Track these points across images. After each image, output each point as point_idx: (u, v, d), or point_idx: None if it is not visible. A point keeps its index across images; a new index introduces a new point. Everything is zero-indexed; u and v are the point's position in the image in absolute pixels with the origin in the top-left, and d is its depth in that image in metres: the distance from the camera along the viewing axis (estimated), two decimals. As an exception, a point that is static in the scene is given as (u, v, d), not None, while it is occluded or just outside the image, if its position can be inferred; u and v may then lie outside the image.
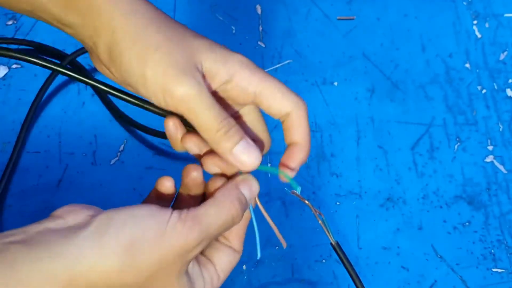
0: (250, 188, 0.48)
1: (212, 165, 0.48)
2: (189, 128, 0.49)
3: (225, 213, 0.45)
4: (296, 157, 0.50)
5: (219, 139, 0.46)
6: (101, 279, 0.40)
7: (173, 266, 0.43)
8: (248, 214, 0.49)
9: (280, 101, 0.48)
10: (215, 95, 0.47)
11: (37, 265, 0.39)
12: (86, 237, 0.41)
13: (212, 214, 0.44)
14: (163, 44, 0.45)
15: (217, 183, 0.48)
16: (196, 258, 0.47)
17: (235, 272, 0.66)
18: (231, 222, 0.45)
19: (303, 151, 0.49)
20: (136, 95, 0.49)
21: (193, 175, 0.48)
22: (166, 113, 0.48)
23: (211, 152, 0.48)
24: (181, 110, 0.45)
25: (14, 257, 0.40)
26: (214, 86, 0.47)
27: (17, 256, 0.40)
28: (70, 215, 0.45)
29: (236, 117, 0.50)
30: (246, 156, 0.46)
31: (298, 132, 0.49)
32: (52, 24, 0.48)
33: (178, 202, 0.50)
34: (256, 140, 0.50)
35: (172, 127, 0.48)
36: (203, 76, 0.46)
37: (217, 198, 0.46)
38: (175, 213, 0.43)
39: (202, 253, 0.48)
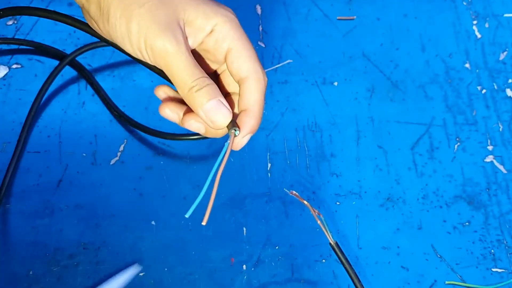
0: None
1: (192, 121, 0.50)
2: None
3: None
4: (245, 124, 0.50)
5: (192, 96, 0.47)
6: None
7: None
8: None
9: (243, 63, 0.49)
10: (195, 52, 0.49)
11: None
12: None
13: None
14: (148, 0, 0.47)
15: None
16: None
17: (235, 272, 0.66)
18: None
19: (253, 118, 0.50)
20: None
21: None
22: (153, 70, 0.51)
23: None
24: (160, 64, 0.47)
25: None
26: (196, 40, 0.49)
27: None
28: None
29: (217, 75, 0.52)
30: (215, 114, 0.48)
31: (251, 98, 0.49)
32: None
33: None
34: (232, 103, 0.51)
35: (161, 94, 0.52)
36: (184, 33, 0.48)
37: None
38: None
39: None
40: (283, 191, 0.71)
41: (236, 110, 0.51)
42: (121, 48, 0.50)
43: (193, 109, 0.48)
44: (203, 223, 0.50)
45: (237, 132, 0.49)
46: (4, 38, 0.77)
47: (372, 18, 0.83)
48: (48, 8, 0.55)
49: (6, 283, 0.64)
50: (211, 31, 0.49)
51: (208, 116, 0.48)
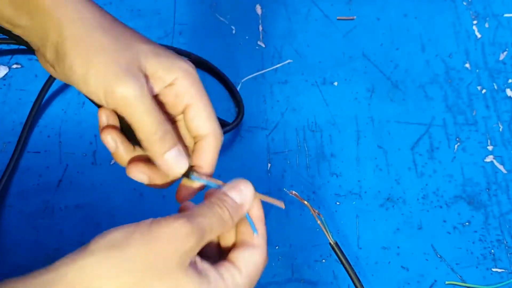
0: (240, 191, 0.49)
1: (139, 172, 0.50)
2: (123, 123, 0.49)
3: (211, 213, 0.46)
4: (201, 173, 0.50)
5: (154, 143, 0.47)
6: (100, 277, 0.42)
7: (167, 260, 0.43)
8: (260, 207, 0.50)
9: (203, 122, 0.49)
10: (155, 98, 0.48)
11: None
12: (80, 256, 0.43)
13: (198, 210, 0.46)
14: (107, 46, 0.46)
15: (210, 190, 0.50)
16: (211, 262, 0.47)
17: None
18: (221, 224, 0.46)
19: (207, 174, 0.51)
20: None
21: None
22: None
23: (137, 159, 0.50)
24: (120, 110, 0.46)
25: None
26: (156, 89, 0.48)
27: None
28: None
29: (173, 122, 0.51)
30: (175, 163, 0.48)
31: (208, 157, 0.50)
32: (2, 25, 0.49)
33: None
34: (187, 146, 0.52)
35: (104, 119, 0.48)
36: (146, 79, 0.47)
37: (203, 203, 0.47)
38: (154, 220, 0.45)
39: (221, 258, 0.48)
40: (283, 191, 0.71)
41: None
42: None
43: (150, 155, 0.48)
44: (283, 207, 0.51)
45: (193, 176, 0.50)
46: (4, 38, 0.77)
47: (372, 18, 0.83)
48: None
49: (6, 283, 0.64)
50: (171, 84, 0.48)
51: (168, 165, 0.48)
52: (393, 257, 0.68)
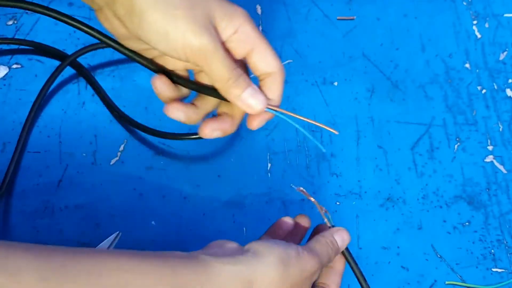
0: (343, 238, 0.56)
1: (212, 130, 0.55)
2: (178, 82, 0.55)
3: (325, 248, 0.55)
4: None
5: (229, 87, 0.52)
6: (270, 284, 0.50)
7: (306, 280, 0.53)
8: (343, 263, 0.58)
9: (269, 61, 0.53)
10: (223, 46, 0.52)
11: (226, 266, 0.49)
12: (251, 256, 0.50)
13: (318, 248, 0.54)
14: (182, 2, 0.49)
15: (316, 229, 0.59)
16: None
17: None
18: (329, 258, 0.55)
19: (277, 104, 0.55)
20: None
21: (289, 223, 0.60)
22: (155, 70, 0.55)
23: (209, 120, 0.55)
24: (197, 61, 0.50)
25: (206, 261, 0.49)
26: (223, 38, 0.52)
27: (208, 260, 0.49)
28: (225, 244, 0.53)
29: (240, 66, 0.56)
30: (253, 100, 0.53)
31: (277, 91, 0.54)
32: None
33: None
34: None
35: (160, 84, 0.55)
36: (216, 29, 0.51)
37: (317, 238, 0.55)
38: (298, 249, 0.52)
39: None
40: (283, 191, 0.71)
41: None
42: (129, 52, 0.54)
43: (229, 99, 0.53)
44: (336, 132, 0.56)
45: (268, 108, 0.54)
46: (4, 38, 0.77)
47: (372, 18, 0.83)
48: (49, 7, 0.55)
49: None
50: (235, 32, 0.52)
51: (246, 103, 0.52)
52: (393, 257, 0.68)
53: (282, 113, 0.54)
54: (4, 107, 0.73)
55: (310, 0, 0.84)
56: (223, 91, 0.52)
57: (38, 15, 0.79)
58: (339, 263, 0.58)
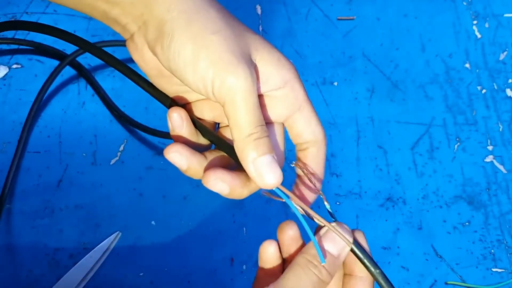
0: (335, 241, 0.45)
1: (217, 180, 0.44)
2: (195, 122, 0.46)
3: (307, 278, 0.43)
4: (312, 189, 0.48)
5: (247, 144, 0.43)
6: None
7: None
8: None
9: (314, 128, 0.46)
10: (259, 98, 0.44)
11: None
12: None
13: (293, 280, 0.43)
14: (221, 29, 0.41)
15: (292, 247, 0.47)
16: None
17: (235, 272, 0.66)
18: (317, 282, 0.44)
19: (319, 181, 0.48)
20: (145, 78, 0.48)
21: (270, 250, 0.48)
22: (169, 103, 0.47)
23: (214, 165, 0.46)
24: (224, 100, 0.42)
25: None
26: (263, 89, 0.44)
27: None
28: None
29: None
30: (268, 172, 0.43)
31: (320, 164, 0.47)
32: (97, 8, 0.44)
33: (258, 281, 0.48)
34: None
35: (177, 117, 0.45)
36: (257, 72, 0.43)
37: (295, 261, 0.44)
38: None
39: None
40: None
41: None
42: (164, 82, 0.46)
43: (241, 159, 0.43)
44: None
45: (278, 189, 0.45)
46: (4, 38, 0.77)
47: (372, 18, 0.83)
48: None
49: (7, 283, 0.64)
50: (279, 87, 0.44)
51: (258, 171, 0.43)
52: (393, 257, 0.68)
53: (289, 201, 0.44)
54: (4, 107, 0.73)
55: (310, 0, 0.84)
56: (238, 148, 0.43)
57: (38, 15, 0.79)
58: (360, 269, 0.47)
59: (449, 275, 0.67)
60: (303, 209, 0.46)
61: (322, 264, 0.44)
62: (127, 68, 0.48)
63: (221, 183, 0.44)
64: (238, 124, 0.42)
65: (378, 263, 0.68)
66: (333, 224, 0.46)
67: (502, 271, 0.68)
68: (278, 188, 0.44)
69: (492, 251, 0.69)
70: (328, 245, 0.45)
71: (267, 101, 0.45)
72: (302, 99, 0.45)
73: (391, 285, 0.46)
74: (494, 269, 0.68)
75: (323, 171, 0.47)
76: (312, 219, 0.46)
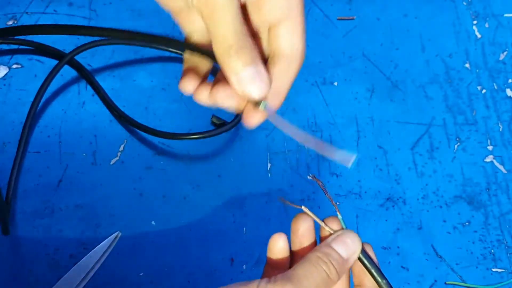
0: (346, 245, 0.45)
1: (223, 95, 0.44)
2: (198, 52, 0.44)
3: (317, 272, 0.43)
4: (271, 102, 0.45)
5: (228, 57, 0.41)
6: None
7: None
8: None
9: (295, 40, 0.43)
10: (242, 7, 0.42)
11: None
12: None
13: (301, 271, 0.43)
14: None
15: (304, 240, 0.47)
16: None
17: (235, 272, 0.66)
18: (324, 278, 0.43)
19: (280, 100, 0.45)
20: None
21: (280, 244, 0.47)
22: (186, 48, 0.46)
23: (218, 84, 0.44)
24: (203, 12, 0.41)
25: None
26: None
27: None
28: None
29: (255, 37, 0.45)
30: (251, 84, 0.42)
31: (286, 80, 0.45)
32: None
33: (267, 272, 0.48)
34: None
35: (188, 87, 0.45)
36: None
37: (307, 258, 0.44)
38: (264, 279, 0.42)
39: None
40: (283, 191, 0.70)
41: None
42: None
43: (224, 71, 0.42)
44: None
45: (267, 105, 0.43)
46: (4, 38, 0.77)
47: (372, 18, 0.83)
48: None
49: (6, 283, 0.64)
50: None
51: (241, 85, 0.41)
52: (393, 257, 0.68)
53: (280, 123, 0.44)
54: (4, 107, 0.73)
55: (310, 0, 0.84)
56: (220, 59, 0.41)
57: (38, 15, 0.79)
58: (370, 281, 0.47)
59: (449, 275, 0.67)
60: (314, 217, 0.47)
61: (332, 262, 0.44)
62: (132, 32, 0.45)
63: (229, 99, 0.44)
64: (219, 37, 0.40)
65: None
66: (345, 231, 0.47)
67: (502, 271, 0.68)
68: (267, 105, 0.43)
69: (492, 251, 0.69)
70: (339, 248, 0.45)
71: (252, 8, 0.43)
72: (295, 5, 0.43)
73: None
74: (494, 269, 0.68)
75: (286, 90, 0.44)
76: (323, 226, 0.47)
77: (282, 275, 0.43)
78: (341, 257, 0.45)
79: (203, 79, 0.46)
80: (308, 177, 0.49)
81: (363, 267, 0.47)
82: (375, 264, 0.47)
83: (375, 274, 0.47)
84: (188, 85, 0.45)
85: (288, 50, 0.44)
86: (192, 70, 0.45)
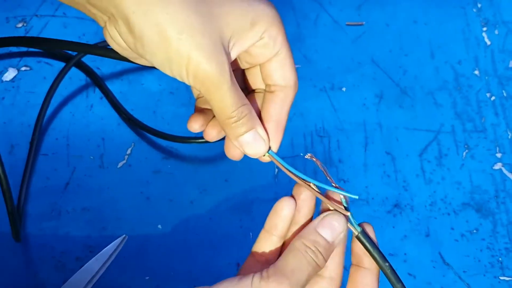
0: (333, 228, 0.46)
1: (214, 131, 0.49)
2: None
3: (307, 262, 0.45)
4: (276, 139, 0.50)
5: (228, 127, 0.46)
6: None
7: None
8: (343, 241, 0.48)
9: (287, 74, 0.47)
10: (236, 61, 0.47)
11: None
12: None
13: (292, 262, 0.44)
14: (186, 26, 0.42)
15: (292, 230, 0.48)
16: None
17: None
18: (314, 267, 0.45)
19: (282, 132, 0.49)
20: None
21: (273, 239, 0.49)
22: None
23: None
24: (200, 90, 0.44)
25: None
26: (241, 49, 0.45)
27: None
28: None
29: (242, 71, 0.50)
30: (251, 147, 0.47)
31: (283, 110, 0.48)
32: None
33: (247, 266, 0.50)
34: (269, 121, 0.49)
35: (195, 126, 0.49)
36: (229, 54, 0.44)
37: (293, 245, 0.45)
38: (257, 275, 0.44)
39: None
40: (290, 195, 0.70)
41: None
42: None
43: (226, 134, 0.47)
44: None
45: (271, 151, 0.49)
46: (10, 39, 0.77)
47: (381, 24, 0.83)
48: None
49: (13, 285, 0.64)
50: (259, 39, 0.46)
51: (243, 147, 0.47)
52: (400, 264, 0.68)
53: (285, 163, 0.49)
54: (12, 110, 0.74)
55: (319, 5, 0.83)
56: (222, 126, 0.47)
57: (48, 18, 0.79)
58: (368, 261, 0.48)
59: (457, 283, 0.67)
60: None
61: (319, 249, 0.45)
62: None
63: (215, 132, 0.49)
64: (217, 110, 0.45)
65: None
66: (330, 212, 0.47)
67: (510, 280, 0.67)
68: (271, 151, 0.48)
69: (500, 259, 0.68)
70: (325, 232, 0.46)
71: (250, 52, 0.46)
72: (280, 43, 0.46)
73: (398, 278, 0.48)
74: (502, 278, 0.67)
75: (286, 119, 0.48)
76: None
77: (274, 269, 0.44)
78: (328, 242, 0.46)
79: (213, 117, 0.49)
80: (305, 156, 0.49)
81: (363, 247, 0.47)
82: (375, 245, 0.47)
83: (376, 256, 0.47)
84: (195, 125, 0.49)
85: (283, 82, 0.47)
86: (201, 111, 0.50)
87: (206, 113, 0.50)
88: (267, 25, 0.45)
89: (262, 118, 0.49)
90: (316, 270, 0.45)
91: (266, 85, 0.48)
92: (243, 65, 0.49)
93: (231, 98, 0.44)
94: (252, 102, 0.49)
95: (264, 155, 0.49)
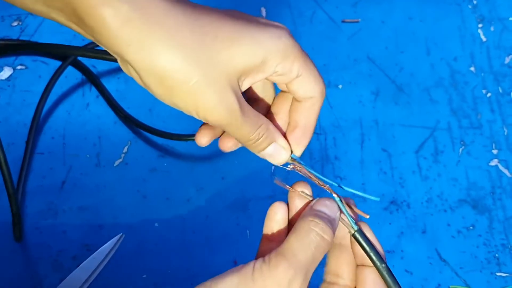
0: (327, 206, 0.47)
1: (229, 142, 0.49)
2: None
3: (309, 239, 0.44)
4: (301, 143, 0.49)
5: (250, 146, 0.47)
6: None
7: None
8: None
9: (313, 85, 0.47)
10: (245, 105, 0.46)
11: None
12: None
13: (295, 243, 0.43)
14: (191, 76, 0.41)
15: (295, 214, 0.49)
16: None
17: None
18: (320, 245, 0.44)
19: (308, 138, 0.49)
20: None
21: (278, 216, 0.50)
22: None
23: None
24: (221, 126, 0.45)
25: None
26: (254, 81, 0.45)
27: None
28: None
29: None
30: (274, 158, 0.48)
31: (311, 118, 0.48)
32: (86, 37, 0.47)
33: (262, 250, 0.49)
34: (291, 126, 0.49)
35: (203, 140, 0.49)
36: (239, 89, 0.43)
37: (294, 227, 0.45)
38: (259, 260, 0.43)
39: None
40: (287, 194, 0.70)
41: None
42: None
43: (249, 149, 0.48)
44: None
45: (293, 155, 0.50)
46: (8, 39, 0.77)
47: (377, 21, 0.83)
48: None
49: (10, 284, 0.64)
50: (277, 65, 0.44)
51: (266, 159, 0.48)
52: (397, 261, 0.68)
53: (303, 168, 0.50)
54: (8, 108, 0.73)
55: (315, 3, 0.83)
56: (244, 145, 0.47)
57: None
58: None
59: (453, 279, 0.67)
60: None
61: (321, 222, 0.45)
62: None
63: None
64: (238, 137, 0.46)
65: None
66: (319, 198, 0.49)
67: (506, 276, 0.67)
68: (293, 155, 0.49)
69: (497, 255, 0.68)
70: (323, 209, 0.47)
71: (271, 79, 0.46)
72: (298, 68, 0.45)
73: (395, 279, 0.48)
74: (498, 274, 0.67)
75: (314, 125, 0.48)
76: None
77: (276, 252, 0.43)
78: (328, 216, 0.46)
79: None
80: (274, 181, 0.50)
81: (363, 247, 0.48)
82: (371, 243, 0.48)
83: (371, 254, 0.47)
84: (202, 140, 0.48)
85: (311, 94, 0.47)
86: (208, 125, 0.48)
87: (214, 127, 0.49)
88: (279, 60, 0.44)
89: (290, 124, 0.49)
90: (322, 246, 0.44)
91: (296, 97, 0.48)
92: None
93: (246, 128, 0.45)
94: (279, 103, 0.49)
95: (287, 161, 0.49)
